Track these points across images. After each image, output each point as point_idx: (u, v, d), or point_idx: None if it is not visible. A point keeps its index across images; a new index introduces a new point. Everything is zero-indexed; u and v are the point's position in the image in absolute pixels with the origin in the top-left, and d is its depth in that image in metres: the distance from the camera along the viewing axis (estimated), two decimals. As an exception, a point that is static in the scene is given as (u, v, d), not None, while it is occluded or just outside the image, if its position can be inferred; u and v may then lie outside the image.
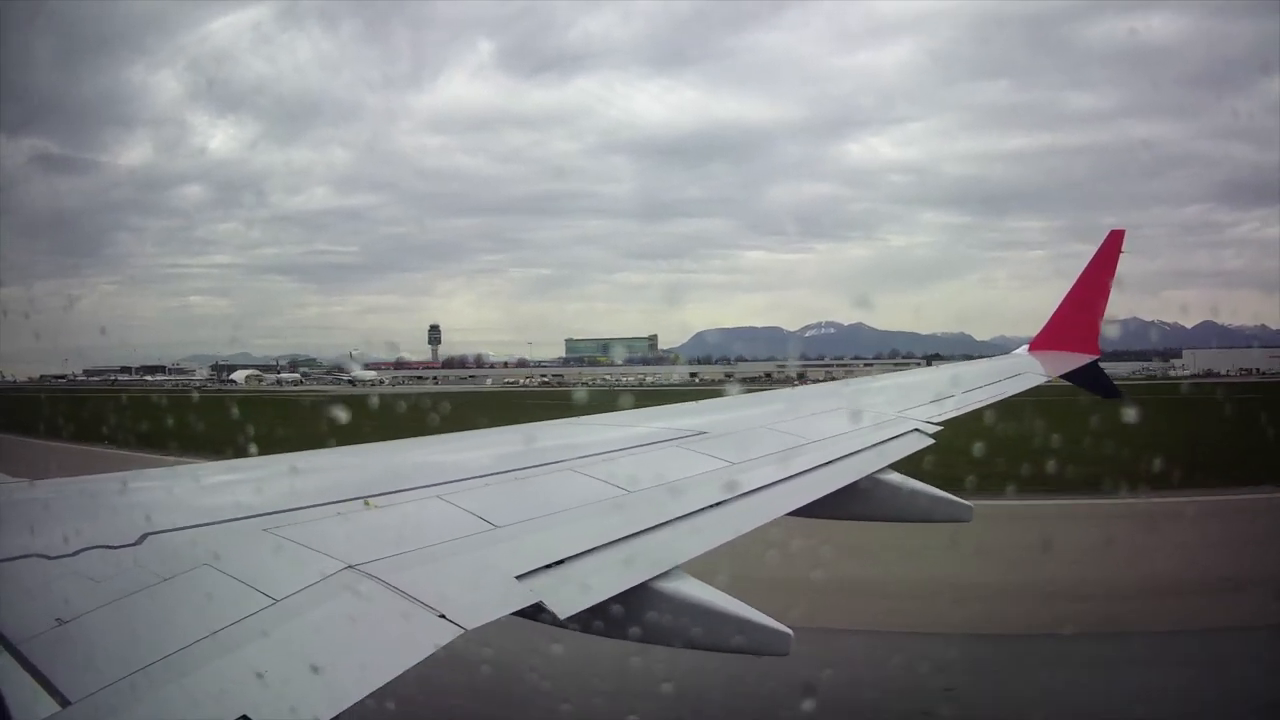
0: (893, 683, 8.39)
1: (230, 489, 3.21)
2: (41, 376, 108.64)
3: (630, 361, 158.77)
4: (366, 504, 2.89)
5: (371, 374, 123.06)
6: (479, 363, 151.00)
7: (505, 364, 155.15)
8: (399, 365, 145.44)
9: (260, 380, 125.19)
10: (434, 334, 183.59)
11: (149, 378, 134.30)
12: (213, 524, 2.57)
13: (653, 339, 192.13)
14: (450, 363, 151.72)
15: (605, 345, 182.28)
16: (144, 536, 2.37)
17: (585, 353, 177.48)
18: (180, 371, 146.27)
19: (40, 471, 3.38)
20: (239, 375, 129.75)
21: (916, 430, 5.44)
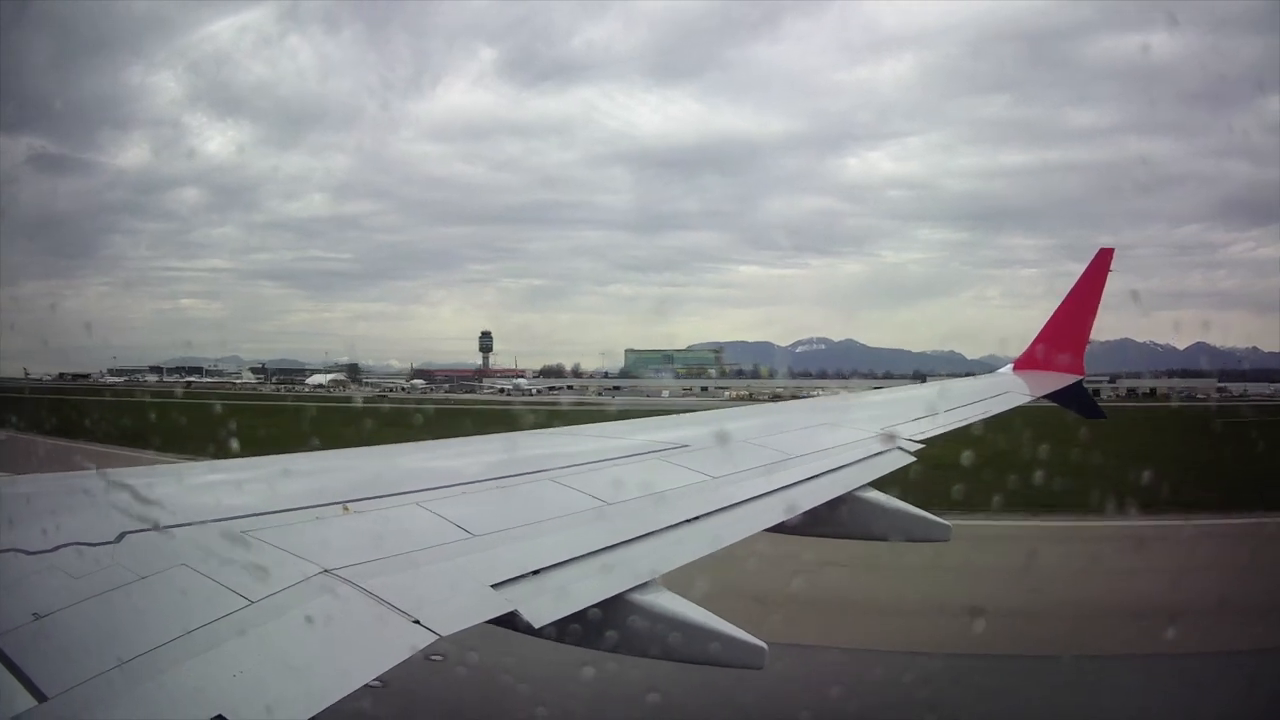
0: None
1: (210, 490, 3.22)
2: (60, 375, 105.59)
3: (741, 374, 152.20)
4: (345, 509, 2.91)
5: (525, 381, 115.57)
6: (575, 373, 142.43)
7: (593, 374, 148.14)
8: (484, 374, 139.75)
9: (344, 385, 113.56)
10: (485, 340, 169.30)
11: (192, 379, 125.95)
12: (191, 524, 2.58)
13: (719, 350, 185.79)
14: (546, 372, 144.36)
15: (669, 357, 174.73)
16: (122, 535, 2.38)
17: (649, 365, 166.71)
18: (219, 373, 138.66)
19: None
20: (322, 379, 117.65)
21: (898, 448, 5.49)
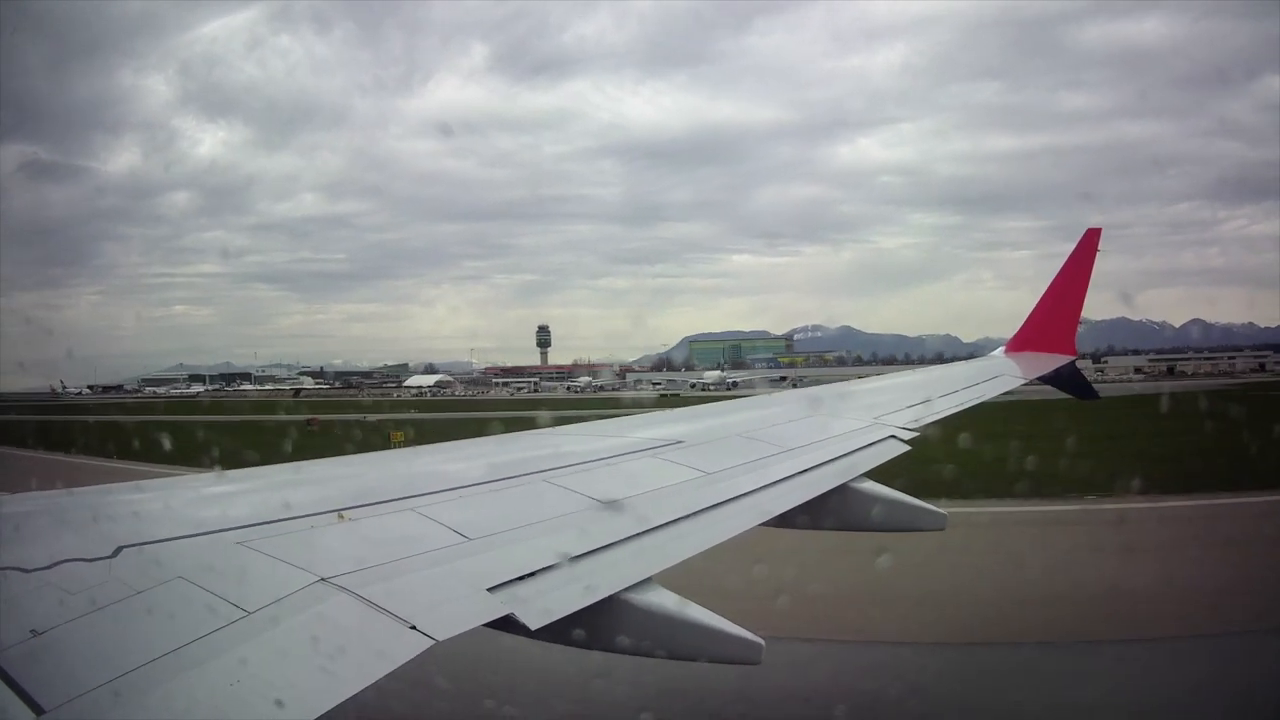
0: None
1: (205, 503, 3.24)
2: (90, 387, 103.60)
3: (840, 363, 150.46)
4: (340, 517, 2.92)
5: (715, 375, 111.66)
6: (688, 366, 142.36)
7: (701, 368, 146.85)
8: (576, 369, 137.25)
9: (450, 388, 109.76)
10: (543, 335, 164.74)
11: (246, 387, 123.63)
12: (187, 537, 2.60)
13: (789, 339, 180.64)
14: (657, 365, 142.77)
15: (736, 347, 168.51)
16: (119, 549, 2.40)
17: (712, 356, 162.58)
18: (271, 379, 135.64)
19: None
20: (424, 381, 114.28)
21: (893, 436, 5.49)
